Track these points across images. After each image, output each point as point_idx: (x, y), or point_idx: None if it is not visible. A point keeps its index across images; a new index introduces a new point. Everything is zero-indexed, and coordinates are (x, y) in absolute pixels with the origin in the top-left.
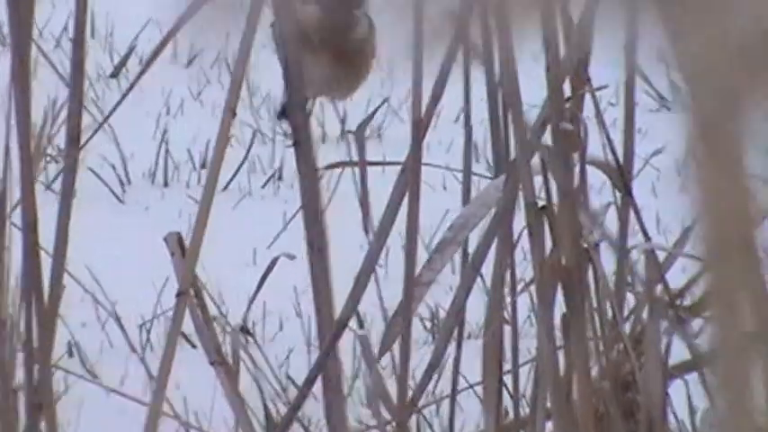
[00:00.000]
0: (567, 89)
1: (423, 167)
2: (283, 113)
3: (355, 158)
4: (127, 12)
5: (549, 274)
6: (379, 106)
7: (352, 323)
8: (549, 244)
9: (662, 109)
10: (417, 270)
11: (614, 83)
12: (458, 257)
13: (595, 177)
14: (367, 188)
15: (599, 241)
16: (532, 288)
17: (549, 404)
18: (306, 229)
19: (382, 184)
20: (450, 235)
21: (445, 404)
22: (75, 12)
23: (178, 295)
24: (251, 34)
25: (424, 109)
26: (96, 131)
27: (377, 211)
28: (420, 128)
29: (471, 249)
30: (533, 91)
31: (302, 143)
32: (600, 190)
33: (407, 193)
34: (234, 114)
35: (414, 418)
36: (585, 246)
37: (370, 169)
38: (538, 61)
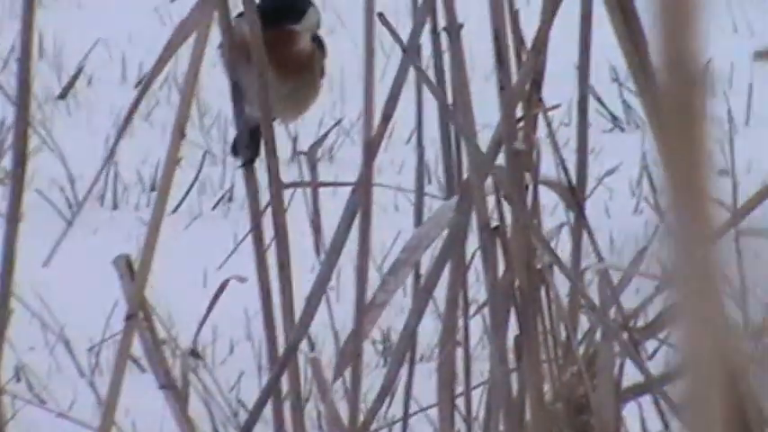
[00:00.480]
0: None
1: (374, 188)
2: (235, 148)
3: (307, 179)
4: (76, 30)
5: (502, 295)
6: (331, 127)
7: (303, 345)
8: (501, 265)
9: (615, 129)
10: (369, 291)
11: (566, 102)
12: (409, 279)
13: (548, 198)
14: (318, 209)
15: (552, 262)
16: (485, 310)
17: (501, 427)
18: (277, 247)
19: (334, 206)
20: (404, 256)
21: (397, 428)
22: (21, 31)
23: (127, 318)
24: (199, 53)
25: (375, 129)
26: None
27: (328, 232)
28: (371, 148)
29: (423, 270)
30: (485, 111)
31: (269, 158)
32: (552, 211)
33: (359, 214)
34: (183, 135)
35: None
36: (539, 267)
37: (321, 191)
38: (489, 81)
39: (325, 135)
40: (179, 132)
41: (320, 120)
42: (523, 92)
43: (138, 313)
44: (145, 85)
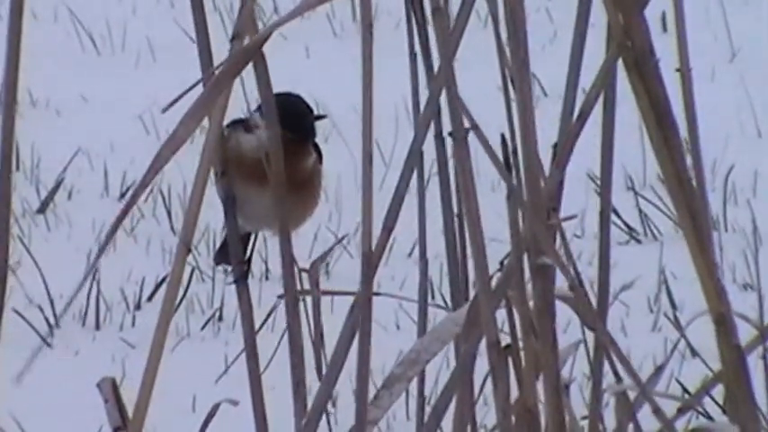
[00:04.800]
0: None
1: (375, 305)
2: (220, 256)
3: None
4: (54, 140)
5: (519, 420)
6: (334, 244)
7: None
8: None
9: (631, 241)
10: None
11: (578, 212)
12: (413, 401)
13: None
14: (321, 325)
15: (569, 383)
16: None
17: None
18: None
19: (330, 326)
20: (400, 371)
21: None
22: (1, 142)
23: None
24: (206, 166)
25: (374, 242)
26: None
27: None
28: (371, 261)
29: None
30: (491, 223)
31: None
32: (566, 328)
33: (358, 331)
34: (189, 250)
35: None
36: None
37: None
38: (496, 191)
39: (329, 251)
40: (184, 246)
41: (315, 232)
42: (546, 206)
43: None
44: (130, 199)
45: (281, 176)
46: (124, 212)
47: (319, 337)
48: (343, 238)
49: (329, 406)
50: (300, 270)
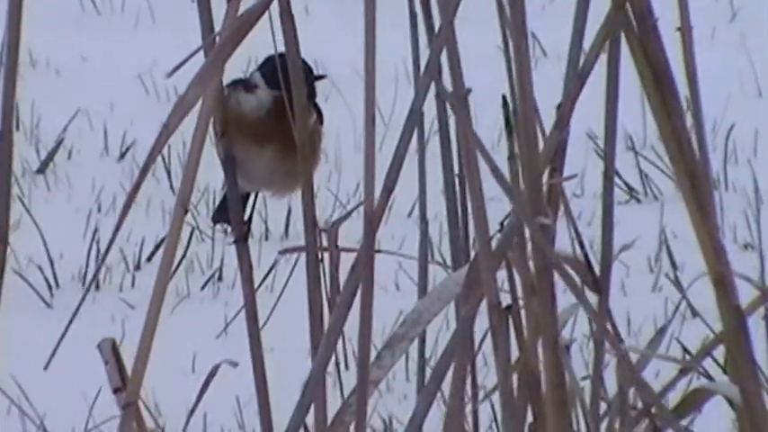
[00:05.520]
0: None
1: (375, 264)
2: (218, 215)
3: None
4: (54, 100)
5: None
6: (355, 207)
7: None
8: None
9: (631, 201)
10: None
11: (578, 172)
12: (413, 361)
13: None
14: (337, 285)
15: (569, 343)
16: (495, 396)
17: None
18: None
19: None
20: (402, 330)
21: None
22: (2, 101)
23: (125, 407)
24: (202, 130)
25: (376, 202)
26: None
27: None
28: (373, 221)
29: (425, 350)
30: (491, 182)
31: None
32: (565, 289)
33: (360, 289)
34: (186, 210)
35: None
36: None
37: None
38: (495, 151)
39: (349, 213)
40: (182, 208)
41: (315, 192)
42: (545, 165)
43: (138, 402)
44: (143, 169)
45: (305, 136)
46: (137, 185)
47: (335, 296)
48: (359, 204)
49: (331, 366)
50: (320, 230)
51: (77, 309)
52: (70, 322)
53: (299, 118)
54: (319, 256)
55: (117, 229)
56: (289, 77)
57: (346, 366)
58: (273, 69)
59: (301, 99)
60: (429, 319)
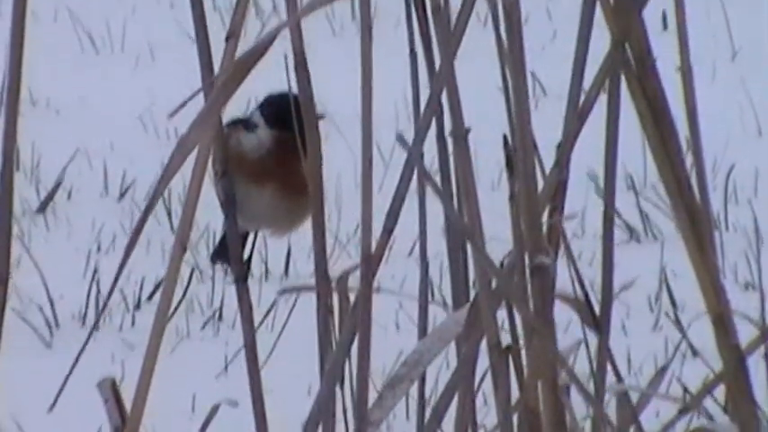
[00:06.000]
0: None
1: (374, 304)
2: (217, 255)
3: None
4: (54, 140)
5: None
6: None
7: None
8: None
9: (631, 240)
10: None
11: (578, 212)
12: (413, 402)
13: (560, 314)
14: (330, 324)
15: (571, 384)
16: None
17: None
18: None
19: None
20: (404, 371)
21: None
22: (4, 143)
23: None
24: (201, 168)
25: (374, 243)
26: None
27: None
28: (371, 263)
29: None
30: (492, 222)
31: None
32: (566, 327)
33: (358, 331)
34: (185, 250)
35: None
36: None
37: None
38: (495, 190)
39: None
40: (181, 247)
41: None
42: (544, 204)
43: None
44: (145, 212)
45: (318, 182)
46: (139, 227)
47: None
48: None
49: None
50: (329, 280)
51: (80, 352)
52: (73, 366)
53: (312, 163)
54: (329, 303)
55: (119, 271)
56: (291, 118)
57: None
58: (273, 109)
59: (314, 144)
60: (430, 359)
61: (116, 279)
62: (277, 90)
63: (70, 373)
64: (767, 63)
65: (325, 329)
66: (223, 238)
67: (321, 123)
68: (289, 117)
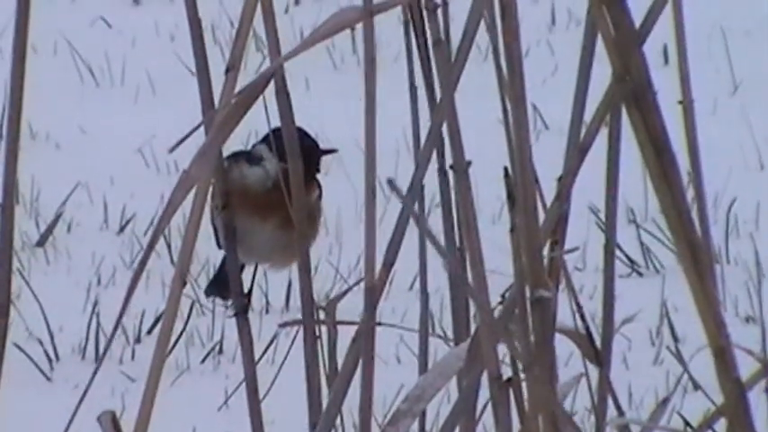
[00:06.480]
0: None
1: (376, 337)
2: (211, 289)
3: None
4: (54, 174)
5: None
6: (354, 284)
7: None
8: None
9: (633, 274)
10: None
11: (579, 245)
12: None
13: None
14: (336, 363)
15: (564, 424)
16: None
17: None
18: None
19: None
20: (406, 407)
21: None
22: (4, 176)
23: None
24: (201, 203)
25: (376, 275)
26: None
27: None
28: (373, 294)
29: (428, 424)
30: (492, 255)
31: (305, 306)
32: (567, 361)
33: (361, 362)
34: (185, 283)
35: None
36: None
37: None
38: (496, 224)
39: (348, 290)
40: (180, 280)
41: (315, 266)
42: (545, 237)
43: None
44: (148, 247)
45: (302, 213)
46: (141, 267)
47: (334, 373)
48: (360, 281)
49: None
50: (318, 307)
51: (85, 391)
52: (79, 404)
53: (296, 195)
54: (317, 332)
55: (122, 311)
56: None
57: None
58: (282, 141)
59: (298, 175)
60: (432, 394)
61: (119, 318)
62: (279, 124)
63: (75, 412)
64: None
65: (313, 359)
66: (218, 273)
67: (325, 157)
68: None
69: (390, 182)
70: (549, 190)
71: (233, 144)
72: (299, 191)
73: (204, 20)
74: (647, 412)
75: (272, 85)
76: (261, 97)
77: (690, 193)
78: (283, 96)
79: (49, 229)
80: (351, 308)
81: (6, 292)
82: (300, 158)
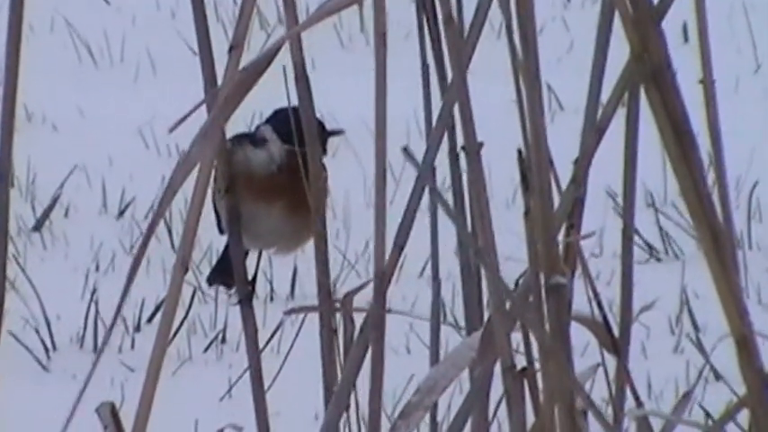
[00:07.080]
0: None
1: (386, 325)
2: (214, 276)
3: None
4: (50, 156)
5: None
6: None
7: None
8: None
9: (651, 260)
10: None
11: (596, 230)
12: (425, 424)
13: (577, 336)
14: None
15: (587, 408)
16: None
17: None
18: None
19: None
20: (417, 399)
21: None
22: None
23: None
24: (202, 188)
25: (386, 261)
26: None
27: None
28: (383, 280)
29: (439, 416)
30: (505, 241)
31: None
32: (583, 351)
33: (370, 351)
34: (186, 270)
35: None
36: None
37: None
38: (510, 208)
39: (365, 284)
40: (182, 267)
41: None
42: (560, 222)
43: None
44: (148, 231)
45: (321, 200)
46: (140, 253)
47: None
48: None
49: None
50: (335, 301)
51: (86, 384)
52: (80, 397)
53: (314, 180)
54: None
55: (122, 299)
56: (302, 133)
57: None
58: (286, 123)
59: (316, 160)
60: (444, 386)
61: (119, 306)
62: (284, 104)
63: (76, 405)
64: None
65: (329, 351)
66: (220, 260)
67: (332, 139)
68: (302, 133)
69: (405, 150)
70: (564, 173)
71: (235, 126)
72: (316, 179)
73: None
74: (666, 403)
75: (280, 66)
76: (283, 82)
77: (711, 176)
78: (303, 83)
79: (46, 214)
80: (359, 296)
81: (1, 280)
82: (317, 143)
